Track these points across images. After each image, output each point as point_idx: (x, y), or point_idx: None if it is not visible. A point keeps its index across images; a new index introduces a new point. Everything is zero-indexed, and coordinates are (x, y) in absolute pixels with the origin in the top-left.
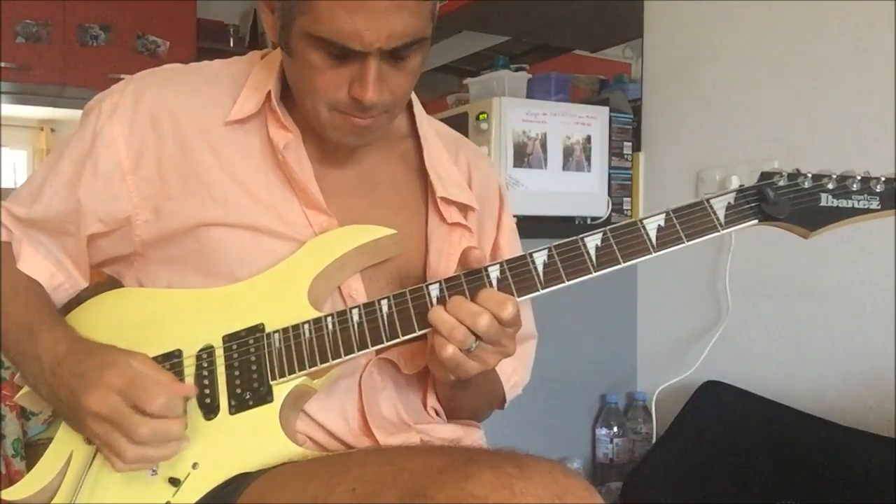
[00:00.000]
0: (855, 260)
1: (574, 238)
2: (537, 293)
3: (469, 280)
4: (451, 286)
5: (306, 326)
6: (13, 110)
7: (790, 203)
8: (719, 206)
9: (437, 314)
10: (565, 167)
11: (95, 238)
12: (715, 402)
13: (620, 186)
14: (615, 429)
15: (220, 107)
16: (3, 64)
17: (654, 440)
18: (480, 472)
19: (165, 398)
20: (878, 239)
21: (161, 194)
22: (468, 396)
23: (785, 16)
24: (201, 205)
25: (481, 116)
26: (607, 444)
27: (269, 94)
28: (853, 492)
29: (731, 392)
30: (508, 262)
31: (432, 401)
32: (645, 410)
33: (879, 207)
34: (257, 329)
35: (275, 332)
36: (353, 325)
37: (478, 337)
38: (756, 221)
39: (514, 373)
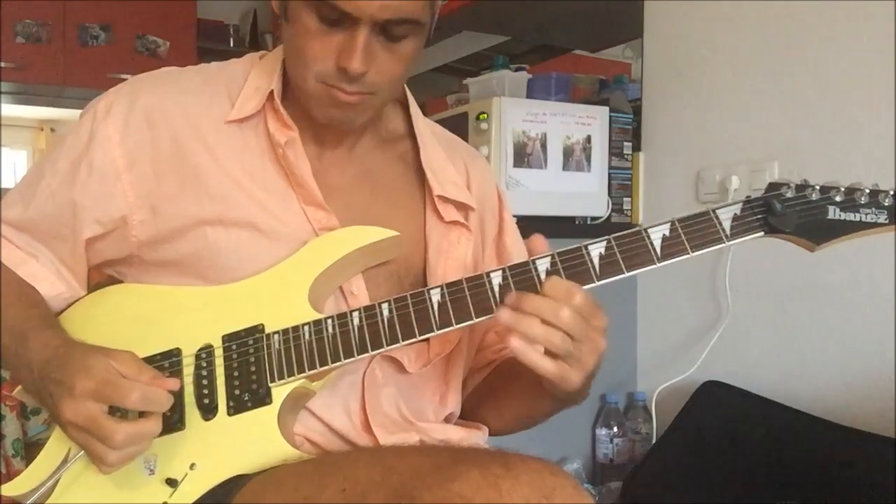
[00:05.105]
0: (855, 260)
1: (577, 246)
2: None
3: (471, 285)
4: (453, 291)
5: (306, 328)
6: (13, 110)
7: (797, 216)
8: (725, 216)
9: (520, 323)
10: (565, 167)
11: (93, 241)
12: (715, 402)
13: (620, 186)
14: (615, 429)
15: (217, 107)
16: (3, 64)
17: (654, 440)
18: (467, 471)
19: (139, 392)
20: (879, 239)
21: (157, 193)
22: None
23: (785, 16)
24: (198, 203)
25: (481, 116)
26: (607, 444)
27: (271, 93)
28: (853, 492)
29: (731, 392)
30: (511, 267)
31: (453, 404)
32: (645, 410)
33: (887, 222)
34: (257, 329)
35: (274, 333)
36: (354, 329)
37: (567, 334)
38: (762, 234)
39: None
